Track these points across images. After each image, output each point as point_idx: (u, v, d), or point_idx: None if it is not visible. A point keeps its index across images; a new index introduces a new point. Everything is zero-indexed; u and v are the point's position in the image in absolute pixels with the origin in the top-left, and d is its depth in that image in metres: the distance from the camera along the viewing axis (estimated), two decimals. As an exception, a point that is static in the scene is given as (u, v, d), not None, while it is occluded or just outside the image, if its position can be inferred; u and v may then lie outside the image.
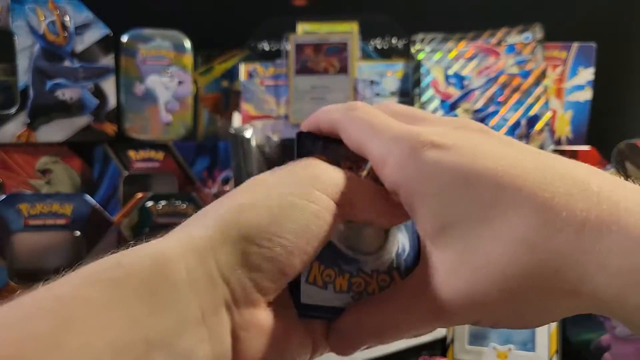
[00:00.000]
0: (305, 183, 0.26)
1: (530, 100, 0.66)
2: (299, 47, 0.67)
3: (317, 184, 0.26)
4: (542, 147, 0.64)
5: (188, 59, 0.69)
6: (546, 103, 0.66)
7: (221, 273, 0.23)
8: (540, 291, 0.20)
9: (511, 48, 0.69)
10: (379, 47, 0.75)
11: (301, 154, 0.29)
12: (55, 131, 0.64)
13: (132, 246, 0.23)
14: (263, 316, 0.25)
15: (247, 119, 0.68)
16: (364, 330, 0.26)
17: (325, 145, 0.30)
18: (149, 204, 0.62)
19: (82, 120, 0.65)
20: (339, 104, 0.28)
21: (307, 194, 0.25)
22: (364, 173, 0.29)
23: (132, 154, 0.67)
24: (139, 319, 0.20)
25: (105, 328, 0.20)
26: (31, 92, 0.63)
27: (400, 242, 0.30)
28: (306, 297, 0.27)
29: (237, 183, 0.61)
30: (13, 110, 0.63)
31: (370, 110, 0.26)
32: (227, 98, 0.75)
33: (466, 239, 0.21)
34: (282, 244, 0.24)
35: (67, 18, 0.64)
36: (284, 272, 0.24)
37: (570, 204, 0.19)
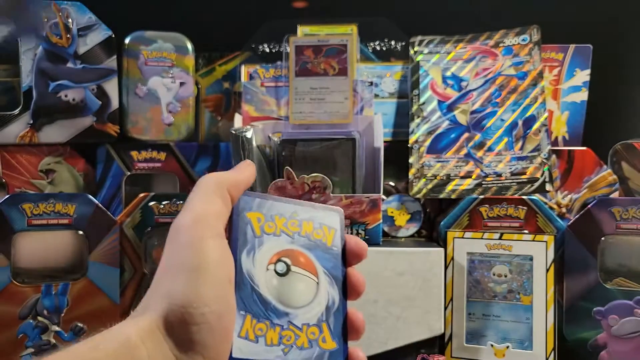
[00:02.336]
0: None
1: (527, 101, 0.67)
2: (299, 49, 0.67)
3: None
4: (539, 147, 0.65)
5: (190, 60, 0.69)
6: (543, 104, 0.67)
7: (175, 355, 0.28)
8: None
9: (508, 50, 0.70)
10: (377, 49, 0.76)
11: (242, 209, 0.32)
12: (58, 132, 0.65)
13: (107, 328, 0.28)
14: None
15: (248, 120, 0.68)
16: None
17: (262, 202, 0.33)
18: (151, 203, 0.63)
19: (85, 121, 0.66)
20: None
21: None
22: (294, 230, 0.33)
23: (134, 154, 0.68)
24: None
25: None
26: (34, 93, 0.64)
27: (331, 295, 0.31)
28: (238, 351, 0.29)
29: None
30: (16, 111, 0.64)
31: None
32: (228, 99, 0.75)
33: None
34: (213, 311, 0.28)
35: (70, 20, 0.65)
36: (225, 337, 0.28)
37: None
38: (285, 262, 0.31)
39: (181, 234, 0.30)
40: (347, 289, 0.33)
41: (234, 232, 0.31)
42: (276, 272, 0.31)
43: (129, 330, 0.27)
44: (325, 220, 0.35)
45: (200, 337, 0.28)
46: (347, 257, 0.35)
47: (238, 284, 0.30)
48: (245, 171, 0.35)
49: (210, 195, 0.31)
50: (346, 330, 0.32)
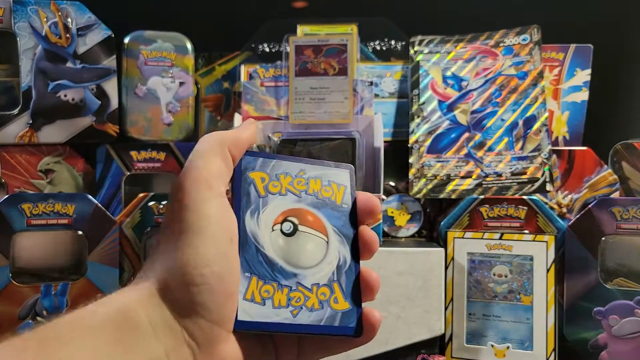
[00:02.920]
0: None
1: (527, 101, 0.67)
2: (299, 49, 0.67)
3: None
4: (539, 147, 0.65)
5: (189, 60, 0.69)
6: (543, 104, 0.66)
7: (176, 318, 0.27)
8: None
9: (509, 49, 0.70)
10: (378, 48, 0.76)
11: (245, 169, 0.31)
12: (57, 132, 0.65)
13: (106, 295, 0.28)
14: (227, 348, 0.28)
15: (248, 120, 0.68)
16: None
17: (266, 161, 0.32)
18: (151, 203, 0.62)
19: (85, 121, 0.66)
20: None
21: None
22: (301, 188, 0.32)
23: (134, 154, 0.68)
24: (114, 357, 0.25)
25: None
26: (33, 93, 0.64)
27: (342, 254, 0.30)
28: (244, 314, 0.28)
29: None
30: (16, 111, 0.63)
31: None
32: (227, 99, 0.75)
33: None
34: (213, 272, 0.27)
35: (69, 20, 0.65)
36: (228, 299, 0.27)
37: None
38: (292, 222, 0.30)
39: (180, 195, 0.29)
40: (360, 248, 0.32)
41: (237, 193, 0.30)
42: (282, 232, 0.30)
43: (127, 296, 0.27)
44: (334, 178, 0.33)
45: (201, 299, 0.27)
46: (359, 215, 0.33)
47: (242, 246, 0.29)
48: (248, 130, 0.33)
49: (211, 154, 0.30)
50: (359, 289, 0.30)
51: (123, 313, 0.26)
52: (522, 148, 0.65)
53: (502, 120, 0.67)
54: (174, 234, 0.28)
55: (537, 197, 0.63)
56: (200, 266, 0.27)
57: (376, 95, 0.71)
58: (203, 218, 0.28)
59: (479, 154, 0.66)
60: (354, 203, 0.33)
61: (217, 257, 0.27)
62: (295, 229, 0.30)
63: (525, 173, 0.64)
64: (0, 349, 0.23)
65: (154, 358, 0.26)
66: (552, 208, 0.66)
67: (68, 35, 0.65)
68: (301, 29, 0.72)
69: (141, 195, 0.63)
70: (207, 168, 0.30)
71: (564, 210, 0.67)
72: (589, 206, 0.61)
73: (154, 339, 0.26)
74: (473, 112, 0.68)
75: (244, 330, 0.28)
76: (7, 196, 0.58)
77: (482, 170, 0.65)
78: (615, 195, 0.66)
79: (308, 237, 0.30)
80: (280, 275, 0.29)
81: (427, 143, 0.67)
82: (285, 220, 0.30)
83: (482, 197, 0.63)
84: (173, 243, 0.28)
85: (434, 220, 0.70)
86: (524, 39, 0.70)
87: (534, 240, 0.60)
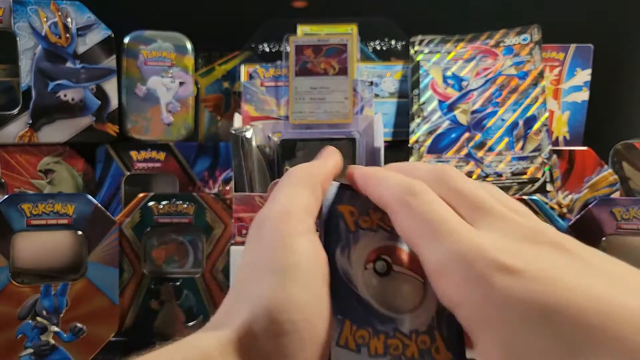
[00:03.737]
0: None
1: (528, 101, 0.67)
2: (299, 49, 0.67)
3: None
4: (539, 147, 0.65)
5: (189, 60, 0.69)
6: (544, 104, 0.66)
7: None
8: None
9: (509, 49, 0.70)
10: (378, 48, 0.75)
11: (333, 202, 0.27)
12: (57, 132, 0.65)
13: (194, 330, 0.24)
14: None
15: (248, 120, 0.68)
16: None
17: (354, 194, 0.28)
18: (151, 203, 0.62)
19: (84, 121, 0.65)
20: (394, 177, 0.26)
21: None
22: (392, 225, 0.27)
23: (133, 154, 0.67)
24: None
25: None
26: (33, 93, 0.64)
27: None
28: None
29: (238, 183, 0.62)
30: (15, 111, 0.63)
31: (430, 200, 0.24)
32: (228, 99, 0.75)
33: None
34: (306, 319, 0.23)
35: (69, 19, 0.65)
36: (319, 350, 0.23)
37: None
38: (385, 260, 0.27)
39: (266, 230, 0.25)
40: None
41: (325, 227, 0.27)
42: (376, 272, 0.26)
43: (208, 343, 0.23)
44: None
45: (290, 351, 0.23)
46: None
47: (333, 285, 0.25)
48: (333, 159, 0.30)
49: (298, 187, 0.27)
50: (463, 338, 0.26)
51: None
52: (522, 148, 0.65)
53: (503, 120, 0.67)
54: (258, 272, 0.24)
55: (537, 197, 0.63)
56: (291, 312, 0.23)
57: (376, 95, 0.71)
58: (293, 257, 0.24)
59: (480, 154, 0.66)
60: None
61: (311, 302, 0.24)
62: (390, 269, 0.26)
63: (525, 173, 0.64)
64: None
65: None
66: (552, 208, 0.65)
67: (68, 35, 0.65)
68: (301, 29, 0.72)
69: (141, 195, 0.63)
70: (295, 201, 0.26)
71: (565, 210, 0.67)
72: (590, 206, 0.61)
73: None
74: (473, 112, 0.68)
75: None
76: (6, 196, 0.58)
77: (482, 171, 0.65)
78: (616, 195, 0.66)
79: (404, 278, 0.26)
80: (375, 320, 0.25)
81: (428, 143, 0.67)
82: (378, 258, 0.27)
83: (482, 197, 0.63)
84: (259, 284, 0.24)
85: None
86: (524, 39, 0.70)
87: (534, 241, 0.60)
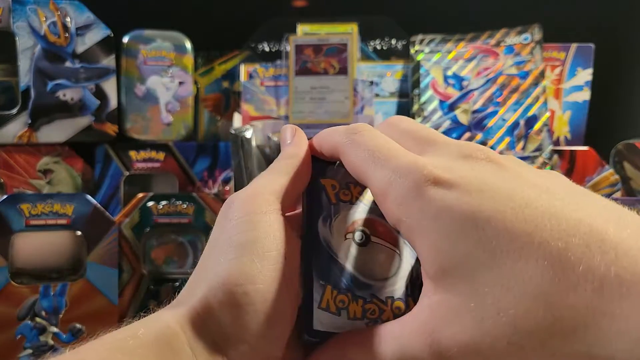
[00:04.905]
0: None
1: (528, 100, 0.67)
2: (299, 48, 0.67)
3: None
4: (540, 147, 0.65)
5: (189, 59, 0.69)
6: (545, 103, 0.66)
7: (218, 345, 0.24)
8: (552, 349, 0.18)
9: (510, 49, 0.69)
10: (378, 48, 0.75)
11: (315, 176, 0.29)
12: (56, 131, 0.65)
13: (149, 314, 0.25)
14: None
15: (248, 120, 0.68)
16: None
17: (333, 168, 0.29)
18: (150, 204, 0.62)
19: (83, 121, 0.65)
20: (342, 126, 0.27)
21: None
22: (370, 199, 0.29)
23: (133, 154, 0.67)
24: None
25: None
26: (32, 93, 0.63)
27: (414, 268, 0.28)
28: (318, 323, 0.26)
29: (237, 183, 0.61)
30: (14, 111, 0.63)
31: (373, 135, 0.25)
32: (227, 99, 0.75)
33: (472, 284, 0.20)
34: (259, 290, 0.24)
35: (68, 19, 0.64)
36: (277, 324, 0.24)
37: (587, 257, 0.18)
38: (363, 231, 0.28)
39: (231, 210, 0.26)
40: None
41: (309, 199, 0.29)
42: (355, 242, 0.28)
43: (168, 317, 0.24)
44: None
45: (245, 322, 0.23)
46: None
47: (315, 253, 0.27)
48: (298, 138, 0.30)
49: (271, 173, 0.28)
50: None
51: (165, 337, 0.23)
52: (523, 148, 0.65)
53: (503, 120, 0.67)
54: (219, 249, 0.25)
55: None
56: (244, 284, 0.24)
57: (376, 95, 0.71)
58: (253, 232, 0.25)
59: (480, 153, 0.66)
60: None
61: (266, 275, 0.24)
62: (368, 239, 0.28)
63: (526, 173, 0.64)
64: None
65: None
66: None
67: (67, 35, 0.64)
68: (301, 28, 0.72)
69: (140, 195, 0.62)
70: (265, 185, 0.27)
71: (566, 210, 0.67)
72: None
73: None
74: (474, 112, 0.68)
75: (317, 341, 0.26)
76: (5, 196, 0.57)
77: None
78: (617, 195, 0.65)
79: (380, 249, 0.28)
80: (354, 286, 0.27)
81: (428, 143, 0.67)
82: (357, 229, 0.28)
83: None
84: (216, 259, 0.25)
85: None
86: (525, 38, 0.69)
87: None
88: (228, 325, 0.24)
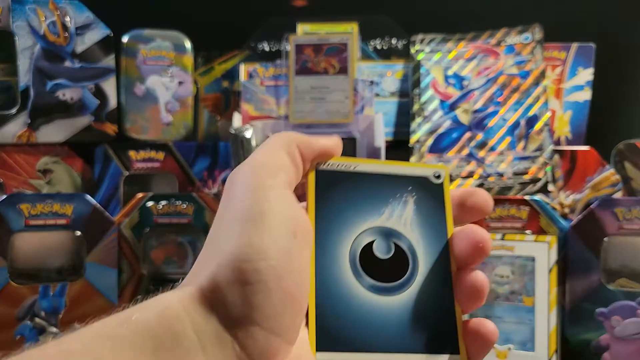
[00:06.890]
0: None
1: (529, 100, 0.66)
2: (299, 48, 0.67)
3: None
4: (541, 147, 0.65)
5: (188, 59, 0.69)
6: (545, 103, 0.66)
7: (226, 326, 0.22)
8: None
9: (510, 48, 0.69)
10: (378, 47, 0.75)
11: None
12: (55, 131, 0.64)
13: (149, 297, 0.23)
14: None
15: (247, 119, 0.68)
16: None
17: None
18: (150, 203, 0.62)
19: (83, 121, 0.65)
20: None
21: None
22: None
23: (132, 154, 0.67)
24: None
25: None
26: (32, 93, 0.63)
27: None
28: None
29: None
30: (14, 111, 0.63)
31: None
32: (227, 98, 0.75)
33: None
34: (270, 267, 0.22)
35: (67, 18, 0.64)
36: (289, 304, 0.23)
37: None
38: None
39: (236, 184, 0.25)
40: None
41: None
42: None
43: (171, 299, 0.22)
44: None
45: (256, 301, 0.21)
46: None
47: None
48: (329, 139, 0.29)
49: (275, 148, 0.26)
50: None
51: (164, 321, 0.21)
52: (524, 148, 0.65)
53: (504, 119, 0.66)
54: (226, 225, 0.24)
55: (539, 197, 0.63)
56: (255, 259, 0.22)
57: (377, 95, 0.71)
58: (262, 206, 0.23)
59: (481, 153, 0.66)
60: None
61: (278, 250, 0.22)
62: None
63: (527, 173, 0.64)
64: None
65: None
66: (554, 208, 0.65)
67: (66, 34, 0.64)
68: (301, 28, 0.72)
69: (140, 195, 0.62)
70: (270, 158, 0.26)
71: (566, 210, 0.67)
72: (592, 206, 0.61)
73: (201, 354, 0.21)
74: (475, 112, 0.68)
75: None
76: (5, 196, 0.57)
77: (484, 170, 0.65)
78: (618, 195, 0.65)
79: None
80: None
81: (429, 143, 0.67)
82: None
83: (483, 197, 0.63)
84: (224, 235, 0.23)
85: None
86: (525, 38, 0.69)
87: (536, 241, 0.60)
88: (237, 305, 0.22)
